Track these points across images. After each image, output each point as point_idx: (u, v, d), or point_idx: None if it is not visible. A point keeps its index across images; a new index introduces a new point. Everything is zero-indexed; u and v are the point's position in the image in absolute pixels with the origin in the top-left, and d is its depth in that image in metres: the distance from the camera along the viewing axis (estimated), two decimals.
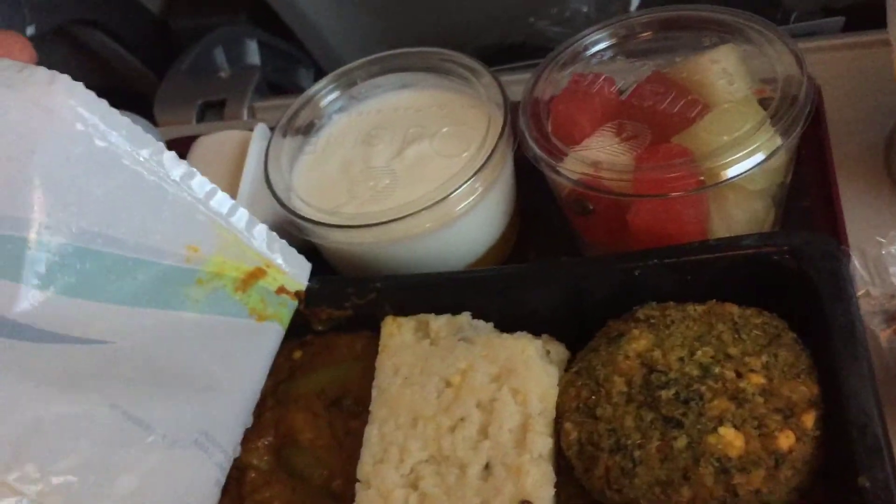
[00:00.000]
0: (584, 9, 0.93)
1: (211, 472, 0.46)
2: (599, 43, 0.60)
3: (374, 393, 0.50)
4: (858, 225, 0.54)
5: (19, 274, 0.41)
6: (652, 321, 0.48)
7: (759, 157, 0.50)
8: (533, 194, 0.63)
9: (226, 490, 0.49)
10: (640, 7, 0.88)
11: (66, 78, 0.42)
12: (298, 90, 1.00)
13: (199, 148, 0.68)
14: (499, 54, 0.90)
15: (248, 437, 0.51)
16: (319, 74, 1.05)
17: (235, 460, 0.50)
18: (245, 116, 0.85)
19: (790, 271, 0.47)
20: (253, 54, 1.07)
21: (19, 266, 0.41)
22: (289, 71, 1.08)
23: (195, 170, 0.48)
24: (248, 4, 1.05)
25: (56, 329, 0.41)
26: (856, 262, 0.49)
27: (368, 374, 0.52)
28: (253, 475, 0.51)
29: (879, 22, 0.54)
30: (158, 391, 0.45)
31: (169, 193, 0.47)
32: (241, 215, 0.51)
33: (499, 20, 0.96)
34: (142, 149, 0.46)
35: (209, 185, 0.49)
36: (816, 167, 0.58)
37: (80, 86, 0.43)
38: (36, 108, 0.41)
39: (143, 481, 0.42)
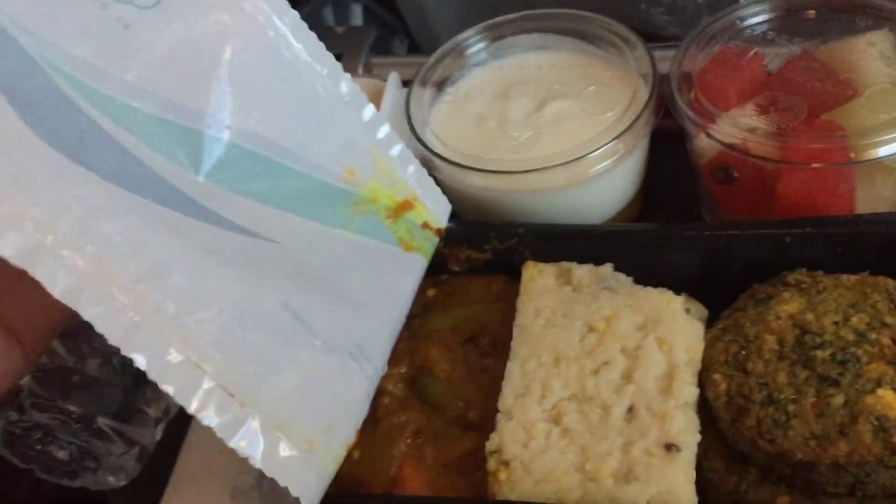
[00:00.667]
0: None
1: (363, 384, 0.47)
2: (752, 17, 0.61)
3: (514, 332, 0.51)
4: None
5: (199, 165, 0.42)
6: (803, 286, 0.48)
7: None
8: (661, 168, 0.64)
9: None
10: None
11: None
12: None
13: None
14: None
15: None
16: (413, 47, 1.07)
17: None
18: (360, 71, 0.86)
19: None
20: (357, 17, 1.08)
21: (199, 158, 0.42)
22: (385, 39, 1.10)
23: (365, 97, 0.50)
24: None
25: (233, 218, 0.43)
26: None
27: (504, 315, 0.53)
28: (387, 400, 0.52)
29: None
30: (320, 299, 0.46)
31: (339, 115, 0.48)
32: (399, 148, 0.52)
33: (609, 5, 0.97)
34: (323, 67, 0.47)
35: (374, 114, 0.50)
36: None
37: None
38: (234, 7, 0.42)
39: (303, 381, 0.43)
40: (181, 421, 0.57)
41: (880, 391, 0.42)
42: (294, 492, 0.40)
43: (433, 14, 1.08)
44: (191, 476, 0.53)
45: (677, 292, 0.52)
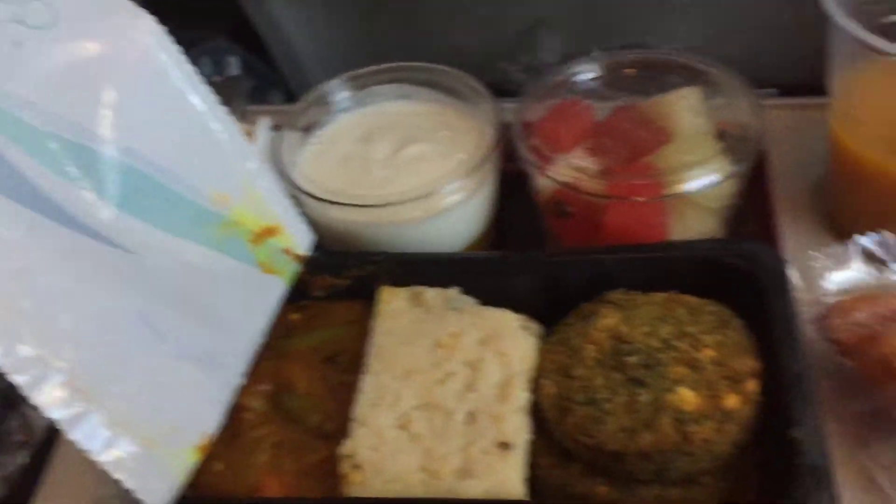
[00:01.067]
0: (551, 59, 1.02)
1: (210, 391, 0.51)
2: (582, 74, 0.69)
3: (370, 349, 0.56)
4: (792, 247, 0.63)
5: (77, 175, 0.46)
6: (620, 304, 0.55)
7: (714, 177, 0.59)
8: (508, 206, 0.71)
9: (223, 428, 0.54)
10: None
11: (150, 17, 0.48)
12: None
13: None
14: None
15: (247, 383, 0.56)
16: (289, 98, 1.12)
17: (235, 401, 0.55)
18: (237, 119, 0.90)
19: (740, 271, 0.55)
20: (234, 69, 1.12)
21: (79, 169, 0.46)
22: (263, 91, 1.14)
23: (239, 129, 0.54)
24: (229, 22, 1.11)
25: (98, 228, 0.46)
26: (793, 272, 0.57)
27: (362, 336, 0.57)
28: (249, 415, 0.55)
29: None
30: (175, 310, 0.50)
31: (215, 144, 0.52)
32: (268, 179, 0.57)
33: (470, 61, 1.04)
34: (201, 99, 0.52)
35: (248, 146, 0.54)
36: (760, 200, 0.68)
37: (162, 29, 0.48)
38: (119, 34, 0.46)
39: (150, 384, 0.47)
40: (47, 445, 0.59)
41: (680, 389, 0.49)
42: (130, 485, 0.44)
43: (309, 66, 1.13)
44: (54, 493, 0.55)
45: (517, 312, 0.57)
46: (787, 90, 0.86)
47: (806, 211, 0.68)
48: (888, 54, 0.53)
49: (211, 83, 0.99)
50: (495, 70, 1.02)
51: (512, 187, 0.68)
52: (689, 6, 0.98)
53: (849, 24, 0.55)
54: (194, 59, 1.09)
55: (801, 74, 0.75)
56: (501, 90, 0.83)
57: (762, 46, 0.93)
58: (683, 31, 1.02)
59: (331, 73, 1.02)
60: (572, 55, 1.01)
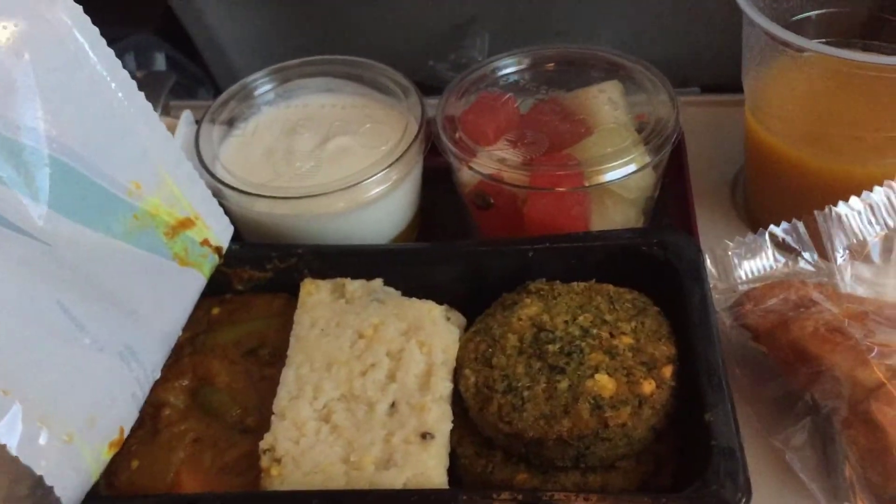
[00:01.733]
0: (479, 57, 1.02)
1: (130, 384, 0.50)
2: (505, 69, 0.69)
3: (291, 341, 0.55)
4: (709, 237, 0.64)
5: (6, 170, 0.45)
6: (542, 293, 0.56)
7: (632, 167, 0.60)
8: (433, 198, 0.71)
9: (141, 423, 0.53)
10: None
11: None
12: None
13: None
14: None
15: (166, 378, 0.55)
16: (217, 94, 1.10)
17: (151, 397, 0.53)
18: (159, 113, 0.88)
19: (658, 260, 0.56)
20: (160, 65, 1.10)
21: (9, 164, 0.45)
22: (189, 88, 1.12)
23: (157, 117, 0.53)
24: (155, 17, 1.09)
25: (13, 218, 0.45)
26: (708, 262, 0.58)
27: (284, 329, 0.57)
28: (168, 411, 0.54)
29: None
30: (93, 301, 0.48)
31: (132, 130, 0.51)
32: (186, 168, 0.56)
33: (399, 59, 1.04)
34: (120, 83, 0.50)
35: (165, 133, 0.53)
36: (678, 192, 0.69)
37: (79, 8, 0.47)
38: (34, 15, 0.45)
39: (70, 376, 0.46)
40: None
41: (598, 376, 0.50)
42: (49, 481, 0.42)
43: (236, 62, 1.12)
44: None
45: (440, 303, 0.58)
46: (708, 89, 0.88)
47: (723, 203, 0.69)
48: (797, 48, 0.55)
49: (134, 78, 0.98)
50: (424, 68, 1.02)
51: (437, 180, 0.68)
52: (613, 9, 1.00)
53: (761, 18, 0.56)
54: (118, 54, 1.08)
55: (720, 74, 0.77)
56: (430, 87, 0.83)
57: (684, 47, 0.96)
58: (608, 32, 1.04)
59: (258, 69, 1.01)
60: (500, 53, 1.03)
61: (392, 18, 1.05)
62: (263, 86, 0.71)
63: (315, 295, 0.57)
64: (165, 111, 0.90)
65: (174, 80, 0.97)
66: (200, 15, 1.05)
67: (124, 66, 1.08)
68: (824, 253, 0.58)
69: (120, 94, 0.50)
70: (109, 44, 1.08)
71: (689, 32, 0.96)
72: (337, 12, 1.05)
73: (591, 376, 0.50)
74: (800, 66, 0.58)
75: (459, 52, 1.01)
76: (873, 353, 0.49)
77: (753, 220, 0.68)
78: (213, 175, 0.63)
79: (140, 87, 0.93)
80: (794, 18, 0.65)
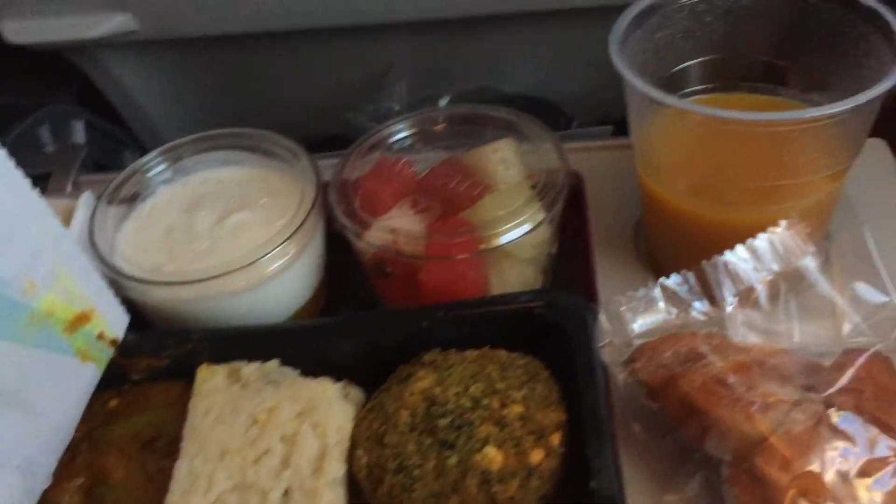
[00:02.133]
0: (396, 107, 1.03)
1: (24, 498, 0.49)
2: (401, 132, 0.70)
3: (185, 432, 0.55)
4: (609, 289, 0.65)
5: None
6: (435, 364, 0.56)
7: (527, 227, 0.61)
8: (341, 263, 0.71)
9: None
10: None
11: None
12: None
13: None
14: (319, 144, 0.99)
15: (59, 479, 0.54)
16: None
17: (44, 498, 0.53)
18: (69, 189, 0.88)
19: (548, 322, 0.56)
20: (79, 133, 1.10)
21: None
22: (115, 152, 1.12)
23: (52, 211, 0.53)
24: (76, 84, 1.09)
25: None
26: (602, 317, 0.59)
27: (182, 418, 0.56)
28: None
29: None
30: None
31: (24, 228, 0.51)
32: (81, 261, 0.55)
33: (318, 113, 1.05)
34: (8, 186, 0.50)
35: (59, 227, 0.53)
36: (578, 243, 0.70)
37: None
38: None
39: None
40: None
41: (487, 449, 0.50)
42: None
43: (160, 124, 1.12)
44: None
45: (340, 379, 0.57)
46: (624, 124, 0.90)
47: (624, 252, 0.70)
48: (660, 103, 0.55)
49: (43, 154, 0.97)
50: (340, 120, 1.03)
51: (343, 245, 0.69)
52: (529, 49, 1.01)
53: (634, 78, 0.57)
54: (33, 127, 1.07)
55: None
56: (349, 140, 0.83)
57: (596, 85, 0.97)
58: (526, 70, 1.05)
59: (184, 129, 1.01)
60: (416, 101, 1.04)
61: (309, 71, 1.05)
62: (158, 165, 0.70)
63: (210, 381, 0.57)
64: (76, 186, 0.89)
65: (85, 153, 0.96)
66: (118, 82, 1.05)
67: (40, 139, 1.07)
68: (715, 301, 0.58)
69: (12, 192, 0.50)
70: (24, 116, 1.07)
71: (607, 68, 0.98)
72: (254, 71, 1.05)
73: (480, 450, 0.50)
74: (672, 121, 0.59)
75: (378, 102, 1.02)
76: (755, 406, 0.50)
77: (656, 266, 0.68)
78: (107, 264, 0.63)
79: (52, 163, 0.93)
80: (676, 69, 0.66)
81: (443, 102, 1.02)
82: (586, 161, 0.76)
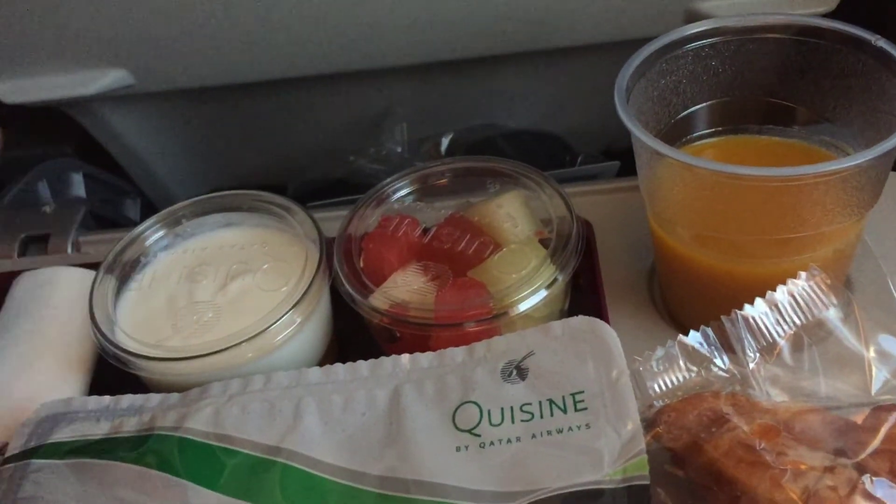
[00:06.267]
0: (399, 149, 1.02)
1: None
2: (402, 189, 0.68)
3: None
4: (626, 342, 0.62)
5: None
6: None
7: (542, 293, 0.59)
8: (349, 322, 0.69)
9: None
10: (447, 150, 0.99)
11: None
12: (126, 222, 1.03)
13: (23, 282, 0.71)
14: (322, 190, 0.98)
15: None
16: (146, 206, 1.09)
17: None
18: (69, 250, 0.87)
19: None
20: (78, 187, 1.08)
21: None
22: (115, 203, 1.10)
23: None
24: (75, 137, 1.08)
25: None
26: None
27: None
28: None
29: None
30: None
31: None
32: None
33: (320, 158, 1.04)
34: None
35: None
36: (590, 292, 0.68)
37: None
38: None
39: None
40: None
41: None
42: None
43: (161, 175, 1.10)
44: None
45: None
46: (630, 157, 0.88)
47: (639, 300, 0.68)
48: (659, 154, 0.54)
49: (41, 214, 0.95)
50: (344, 165, 1.02)
51: (348, 306, 0.67)
52: (527, 88, 1.00)
53: (641, 132, 0.55)
54: (32, 183, 1.05)
55: None
56: (355, 186, 0.82)
57: (599, 116, 0.95)
58: (526, 106, 1.04)
59: (185, 178, 0.99)
60: (417, 140, 1.02)
61: (308, 117, 1.04)
62: (156, 232, 0.69)
63: None
64: (76, 247, 0.88)
65: (84, 211, 0.95)
66: (116, 134, 1.04)
67: (38, 196, 1.06)
68: (736, 357, 0.56)
69: None
70: (23, 173, 1.06)
71: (610, 100, 0.97)
72: (253, 118, 1.04)
73: None
74: (682, 172, 0.57)
75: (379, 144, 1.01)
76: (786, 477, 0.48)
77: (671, 315, 0.67)
78: (108, 340, 0.61)
79: (48, 225, 0.92)
80: (685, 112, 0.65)
81: (445, 141, 1.01)
82: (594, 206, 0.74)
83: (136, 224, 0.69)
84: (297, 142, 1.08)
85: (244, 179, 1.03)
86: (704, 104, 0.65)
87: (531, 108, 1.05)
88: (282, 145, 1.09)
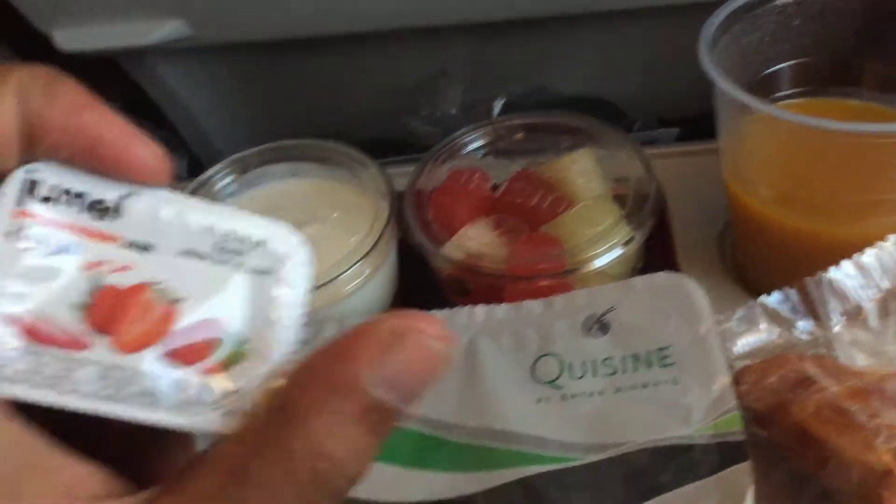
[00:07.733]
0: (453, 111, 1.01)
1: None
2: (474, 142, 0.67)
3: None
4: None
5: None
6: None
7: (618, 251, 0.58)
8: (414, 278, 0.68)
9: None
10: (501, 112, 0.97)
11: None
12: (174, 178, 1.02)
13: None
14: (376, 149, 0.97)
15: None
16: (193, 163, 1.08)
17: None
18: None
19: None
20: None
21: None
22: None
23: None
24: (123, 94, 1.07)
25: None
26: None
27: None
28: None
29: (707, 133, 0.64)
30: None
31: None
32: None
33: (373, 119, 1.03)
34: None
35: None
36: (663, 254, 0.67)
37: None
38: None
39: None
40: None
41: None
42: None
43: (212, 132, 1.10)
44: None
45: None
46: (690, 122, 0.86)
47: (712, 260, 0.67)
48: (753, 109, 0.52)
49: None
50: (399, 125, 1.00)
51: (416, 257, 0.66)
52: (581, 53, 0.98)
53: (726, 84, 0.54)
54: None
55: (702, 107, 0.75)
56: (408, 145, 0.81)
57: (654, 85, 0.94)
58: (582, 71, 1.02)
59: (236, 135, 0.98)
60: (472, 104, 1.01)
61: (363, 76, 1.03)
62: (224, 178, 0.68)
63: None
64: None
65: None
66: (170, 89, 1.03)
67: None
68: (819, 320, 0.55)
69: None
70: None
71: (666, 66, 0.95)
72: (307, 76, 1.03)
73: None
74: (765, 127, 0.55)
75: (433, 106, 1.00)
76: (880, 438, 0.47)
77: (745, 278, 0.65)
78: None
79: None
80: (766, 72, 0.63)
81: (498, 104, 0.99)
82: (662, 168, 0.73)
83: (181, 181, 0.69)
84: (350, 100, 1.07)
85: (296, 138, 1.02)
86: (786, 64, 0.63)
87: (583, 74, 1.03)
88: (333, 105, 1.08)
